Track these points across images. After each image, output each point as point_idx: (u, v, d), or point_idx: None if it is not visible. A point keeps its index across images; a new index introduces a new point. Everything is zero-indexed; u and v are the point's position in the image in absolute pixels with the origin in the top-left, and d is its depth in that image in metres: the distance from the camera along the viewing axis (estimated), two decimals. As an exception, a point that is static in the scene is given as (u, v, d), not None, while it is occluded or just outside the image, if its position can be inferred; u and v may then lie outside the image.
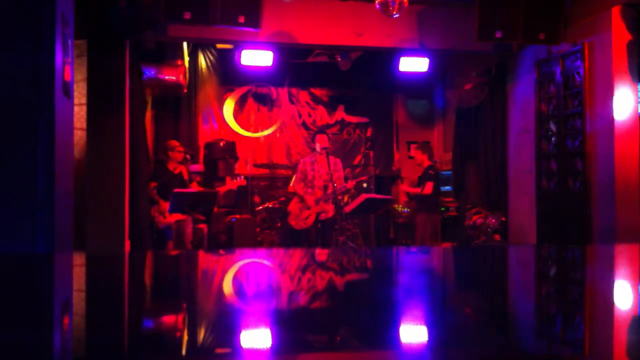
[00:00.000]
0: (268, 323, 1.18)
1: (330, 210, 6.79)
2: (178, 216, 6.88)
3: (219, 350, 1.00)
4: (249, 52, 7.56)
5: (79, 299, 1.48)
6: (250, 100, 9.80)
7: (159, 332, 1.15)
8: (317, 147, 6.85)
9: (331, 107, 10.07)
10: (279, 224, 8.26)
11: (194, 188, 7.15)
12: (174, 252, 5.46)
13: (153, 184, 7.06)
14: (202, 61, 9.38)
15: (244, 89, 9.75)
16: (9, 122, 3.62)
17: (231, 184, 8.01)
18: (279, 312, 1.29)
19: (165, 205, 6.85)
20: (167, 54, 8.07)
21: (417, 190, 7.46)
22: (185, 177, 7.32)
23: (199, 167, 8.73)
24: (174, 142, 7.44)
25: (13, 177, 3.60)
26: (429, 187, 7.39)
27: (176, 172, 7.22)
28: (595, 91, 6.39)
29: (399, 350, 0.99)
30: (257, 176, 9.29)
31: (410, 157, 10.10)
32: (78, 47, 5.79)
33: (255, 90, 9.79)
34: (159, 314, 1.31)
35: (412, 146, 10.19)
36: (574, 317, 1.27)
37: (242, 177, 8.32)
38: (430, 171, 7.51)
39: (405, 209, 8.77)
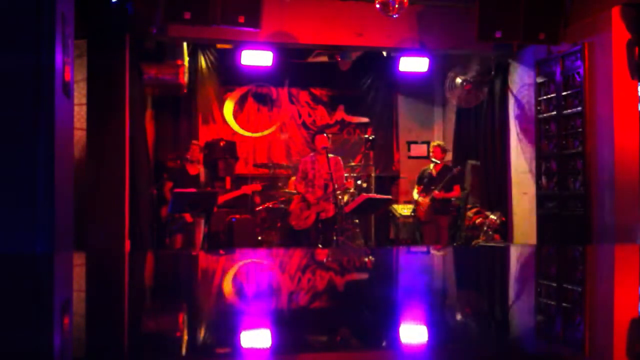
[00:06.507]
0: (268, 323, 1.17)
1: (330, 209, 6.79)
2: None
3: (219, 350, 1.00)
4: (249, 52, 7.55)
5: (79, 299, 1.48)
6: (250, 100, 9.78)
7: (158, 332, 1.15)
8: (317, 147, 6.85)
9: (331, 107, 10.06)
10: (279, 224, 8.25)
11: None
12: (174, 253, 5.45)
13: (169, 184, 7.05)
14: (202, 61, 9.36)
15: (244, 89, 9.74)
16: (9, 122, 3.62)
17: (246, 189, 8.03)
18: (278, 312, 1.29)
19: None
20: (167, 54, 8.06)
21: (451, 194, 7.46)
22: (202, 178, 7.21)
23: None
24: (193, 141, 7.63)
25: (13, 177, 3.59)
26: (457, 190, 7.48)
27: (193, 173, 7.16)
28: (595, 91, 6.38)
29: (399, 350, 0.99)
30: (257, 176, 9.28)
31: (412, 157, 10.09)
32: (78, 47, 5.79)
33: (255, 90, 9.78)
34: (159, 314, 1.31)
35: (415, 146, 10.18)
36: (573, 317, 1.27)
37: (258, 181, 8.50)
38: (455, 173, 7.56)
39: (406, 209, 8.76)
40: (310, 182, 6.88)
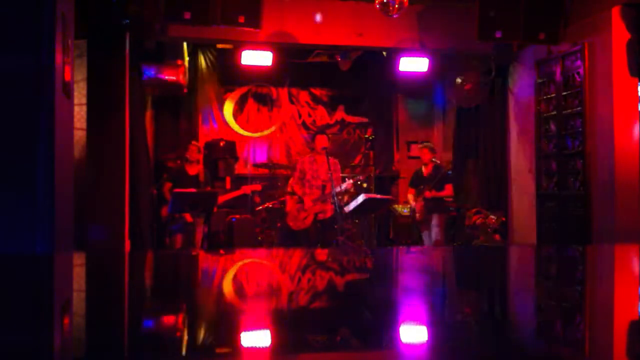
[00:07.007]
0: (268, 323, 1.18)
1: (328, 210, 6.79)
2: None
3: (219, 350, 1.00)
4: (249, 52, 7.56)
5: (79, 299, 1.48)
6: (250, 100, 9.79)
7: (158, 332, 1.15)
8: (317, 147, 6.85)
9: (331, 107, 10.06)
10: (278, 224, 8.25)
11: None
12: (174, 253, 5.45)
13: (169, 185, 7.03)
14: (202, 61, 9.36)
15: (244, 89, 9.74)
16: (9, 122, 3.62)
17: (246, 189, 8.01)
18: (278, 312, 1.29)
19: None
20: (167, 54, 8.06)
21: (443, 193, 7.51)
22: (202, 179, 7.17)
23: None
24: (193, 142, 7.53)
25: (13, 177, 3.59)
26: (449, 189, 7.53)
27: (192, 173, 7.12)
28: (595, 91, 6.38)
29: (399, 350, 0.99)
30: (257, 176, 9.29)
31: (412, 157, 10.08)
32: (78, 47, 5.79)
33: (255, 90, 9.78)
34: (159, 314, 1.31)
35: (415, 146, 10.17)
36: (573, 317, 1.27)
37: (258, 181, 8.49)
38: (446, 172, 7.62)
39: (406, 209, 8.77)
40: (307, 183, 6.87)
